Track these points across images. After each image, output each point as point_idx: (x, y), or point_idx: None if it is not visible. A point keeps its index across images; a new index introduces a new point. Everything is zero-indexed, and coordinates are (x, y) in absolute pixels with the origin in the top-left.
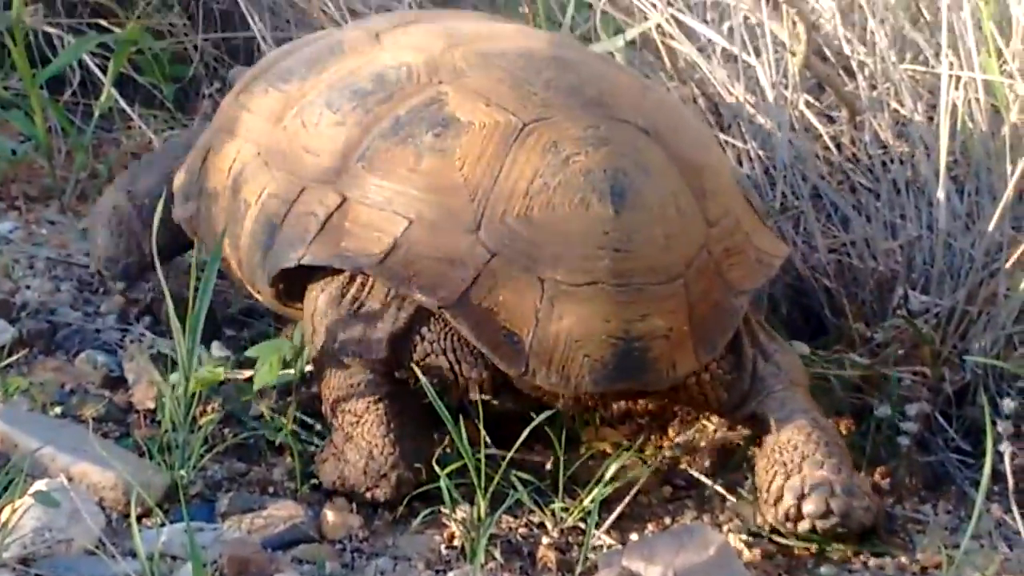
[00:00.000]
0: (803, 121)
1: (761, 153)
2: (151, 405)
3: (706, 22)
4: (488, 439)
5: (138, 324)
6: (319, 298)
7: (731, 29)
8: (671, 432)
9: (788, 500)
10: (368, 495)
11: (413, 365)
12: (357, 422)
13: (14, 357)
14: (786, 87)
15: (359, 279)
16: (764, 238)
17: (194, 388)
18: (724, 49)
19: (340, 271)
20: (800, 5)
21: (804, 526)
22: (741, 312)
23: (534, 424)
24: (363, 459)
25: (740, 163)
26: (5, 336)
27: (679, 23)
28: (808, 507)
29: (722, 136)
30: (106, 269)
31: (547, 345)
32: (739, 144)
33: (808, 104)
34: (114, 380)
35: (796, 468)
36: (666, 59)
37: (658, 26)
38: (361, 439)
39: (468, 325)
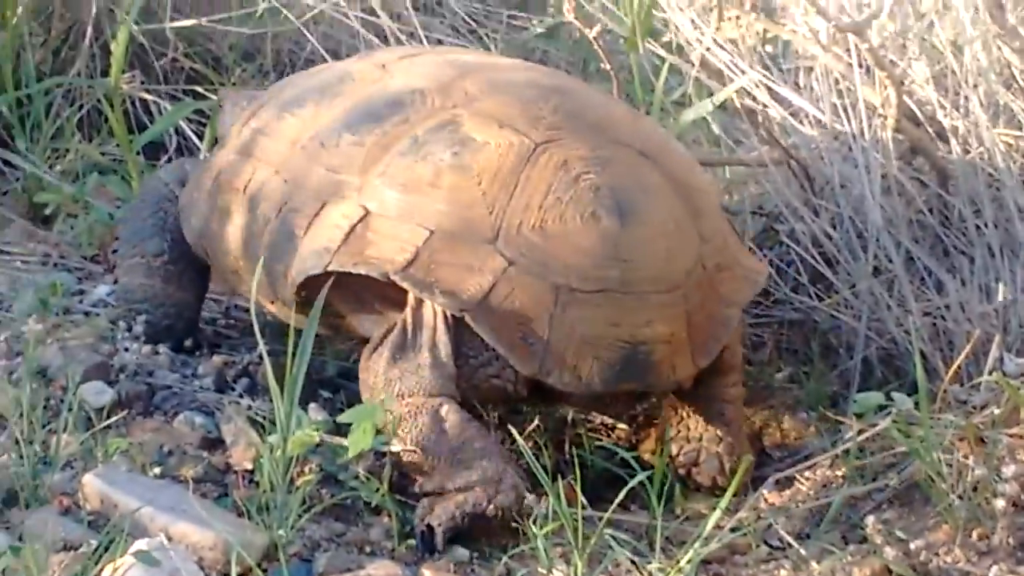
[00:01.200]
0: (896, 185)
1: (854, 217)
2: (249, 466)
3: (797, 86)
4: (585, 499)
5: (235, 386)
6: (375, 359)
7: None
8: (767, 494)
9: (683, 463)
10: (491, 507)
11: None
12: (459, 448)
13: (113, 419)
14: (878, 151)
15: (401, 328)
16: (748, 257)
17: (292, 451)
18: (815, 114)
19: (387, 330)
20: (890, 69)
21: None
22: (733, 322)
23: (631, 484)
24: (475, 474)
25: (834, 227)
26: (104, 398)
27: (770, 89)
28: (699, 477)
29: (814, 200)
30: (149, 328)
31: (560, 347)
32: (831, 208)
33: (900, 169)
34: (212, 441)
35: (697, 437)
36: (760, 123)
37: (748, 92)
38: (465, 460)
39: (487, 328)
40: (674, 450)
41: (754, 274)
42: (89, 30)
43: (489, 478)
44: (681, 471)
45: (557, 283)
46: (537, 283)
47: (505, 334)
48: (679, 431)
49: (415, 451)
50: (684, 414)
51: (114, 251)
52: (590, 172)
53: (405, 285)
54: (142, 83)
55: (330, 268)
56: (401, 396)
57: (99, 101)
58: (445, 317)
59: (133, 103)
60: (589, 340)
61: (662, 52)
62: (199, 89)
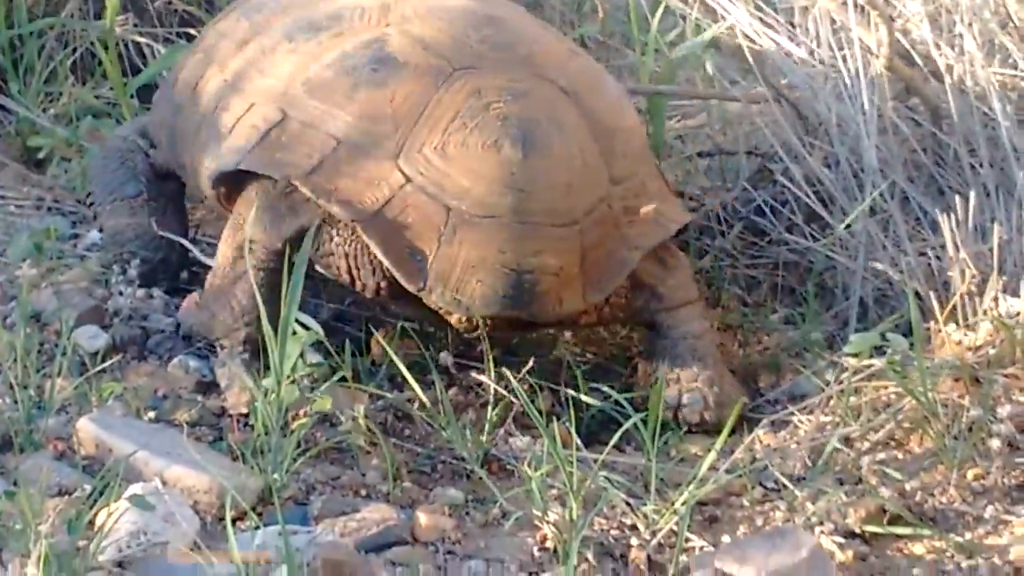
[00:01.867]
0: (891, 125)
1: (849, 157)
2: (244, 410)
3: (791, 25)
4: (579, 442)
5: None
6: (254, 190)
7: (817, 33)
8: (762, 435)
9: (668, 405)
10: (217, 343)
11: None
12: (234, 283)
13: (108, 363)
14: (873, 91)
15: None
16: (670, 205)
17: (285, 401)
18: (810, 53)
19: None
20: (882, 7)
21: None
22: (632, 264)
23: (625, 427)
24: (225, 312)
25: (828, 167)
26: (98, 342)
27: (764, 27)
28: (687, 417)
29: (808, 139)
30: (144, 267)
31: (445, 267)
32: (826, 148)
33: (895, 108)
34: (206, 385)
35: (675, 379)
36: (752, 62)
37: (742, 31)
38: (232, 296)
39: (376, 240)
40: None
41: (667, 221)
42: None
43: (228, 324)
44: (668, 415)
45: (450, 205)
46: (430, 203)
47: (393, 248)
48: (657, 377)
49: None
50: (659, 360)
51: (90, 204)
52: (501, 102)
53: (305, 190)
54: (135, 25)
55: (241, 167)
56: (254, 228)
57: (92, 44)
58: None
59: (127, 46)
60: (474, 263)
61: None
62: (193, 32)
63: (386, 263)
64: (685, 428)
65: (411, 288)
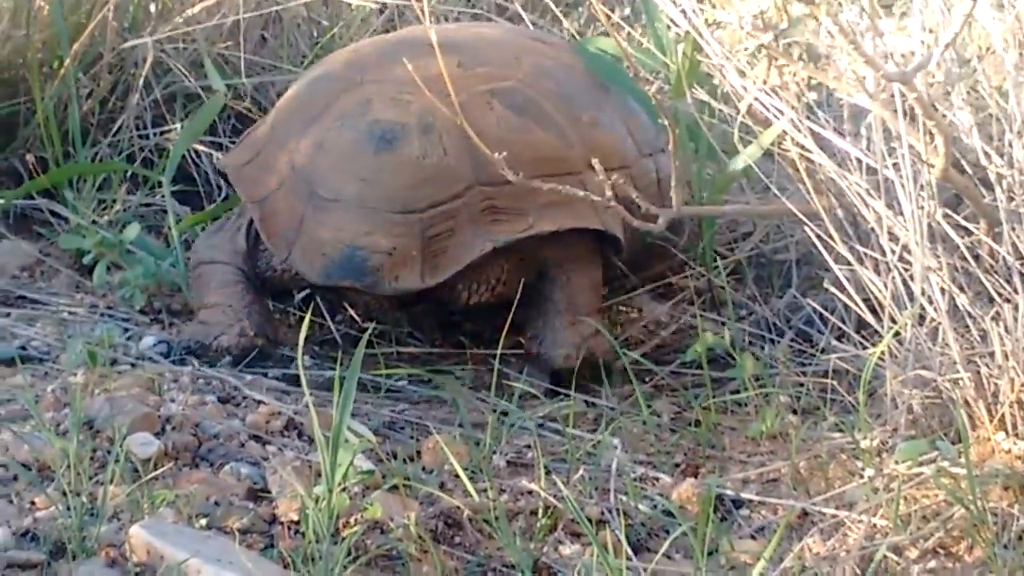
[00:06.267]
0: (940, 232)
1: (898, 265)
2: (295, 517)
3: (841, 134)
4: (629, 550)
5: (281, 437)
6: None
7: (868, 140)
8: (812, 543)
9: (534, 349)
10: (215, 343)
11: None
12: (219, 296)
13: (160, 470)
14: (923, 199)
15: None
16: (547, 212)
17: (337, 507)
18: (860, 161)
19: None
20: (939, 118)
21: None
22: (473, 254)
23: (675, 535)
24: (217, 315)
25: (878, 273)
26: (151, 449)
27: (816, 136)
28: (552, 360)
29: (858, 247)
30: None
31: (305, 242)
32: (878, 256)
33: (945, 216)
34: (258, 492)
35: (546, 326)
36: (806, 170)
37: (793, 140)
38: (217, 306)
39: (260, 218)
40: (531, 348)
41: (528, 221)
42: (140, 83)
43: (223, 323)
44: (543, 370)
45: (314, 191)
46: (303, 189)
47: (272, 225)
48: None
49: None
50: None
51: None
52: (384, 110)
53: (228, 175)
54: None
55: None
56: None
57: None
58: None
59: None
60: (322, 239)
61: (708, 99)
62: None
63: (263, 238)
64: (548, 371)
65: (278, 257)
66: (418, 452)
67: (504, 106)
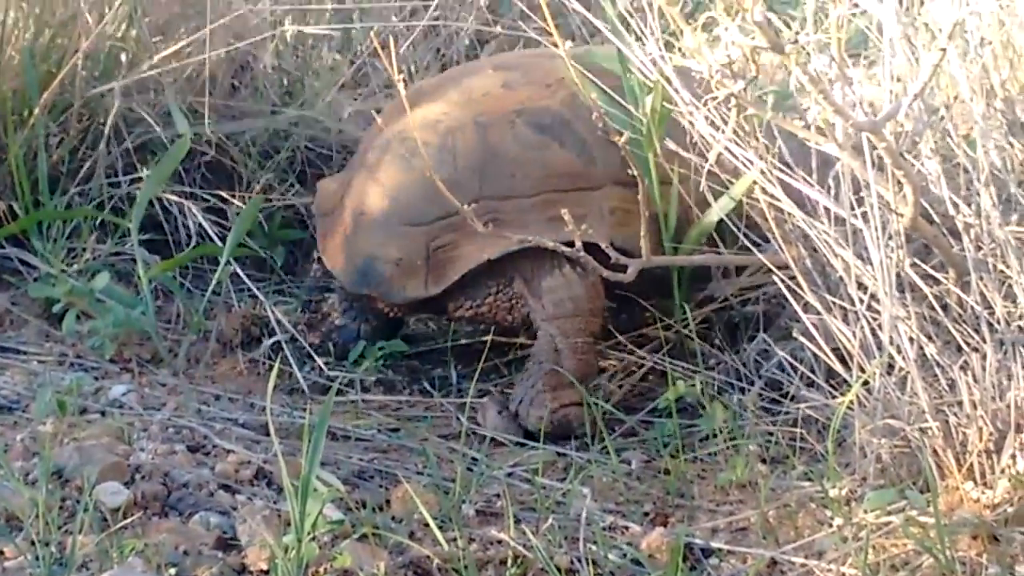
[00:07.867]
0: (909, 282)
1: (866, 315)
2: (264, 566)
3: (810, 183)
4: None
5: (251, 486)
6: None
7: (836, 191)
8: None
9: (513, 409)
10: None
11: None
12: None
13: (129, 519)
14: (891, 248)
15: None
16: (543, 227)
17: (306, 557)
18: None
19: None
20: (908, 168)
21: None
22: (469, 264)
23: None
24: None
25: (847, 322)
26: (120, 498)
27: (784, 185)
28: (525, 421)
29: (829, 297)
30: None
31: (346, 255)
32: (846, 305)
33: (914, 265)
34: (227, 541)
35: (529, 387)
36: (774, 221)
37: (763, 189)
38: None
39: (318, 232)
40: (510, 405)
41: (512, 240)
42: (109, 131)
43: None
44: (515, 426)
45: (357, 210)
46: (351, 207)
47: (324, 238)
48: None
49: None
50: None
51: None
52: (420, 130)
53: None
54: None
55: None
56: None
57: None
58: None
59: (151, 203)
60: (350, 251)
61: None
62: (222, 192)
63: (318, 247)
64: (518, 430)
65: (327, 265)
66: (387, 501)
67: (526, 124)
